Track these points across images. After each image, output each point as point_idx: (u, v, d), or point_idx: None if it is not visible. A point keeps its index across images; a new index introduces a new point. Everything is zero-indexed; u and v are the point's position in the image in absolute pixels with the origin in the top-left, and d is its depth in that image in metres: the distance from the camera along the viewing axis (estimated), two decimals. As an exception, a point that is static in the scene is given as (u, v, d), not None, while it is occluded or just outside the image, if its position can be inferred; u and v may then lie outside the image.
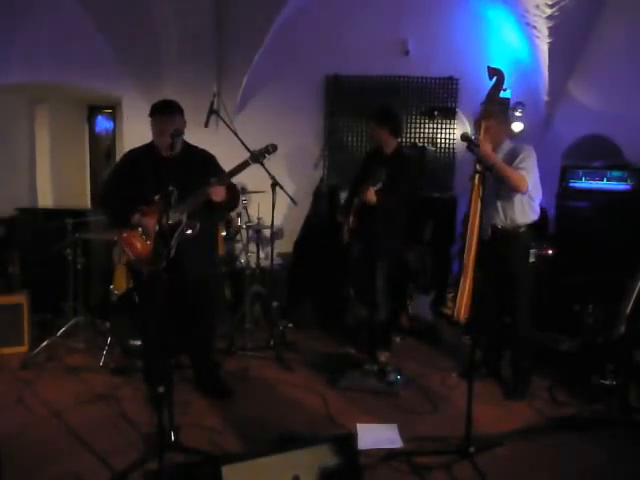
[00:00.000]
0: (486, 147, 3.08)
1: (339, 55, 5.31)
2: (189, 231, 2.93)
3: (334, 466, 2.16)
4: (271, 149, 3.00)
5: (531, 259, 3.38)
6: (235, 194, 3.21)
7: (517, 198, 3.26)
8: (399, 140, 3.95)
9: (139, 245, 3.03)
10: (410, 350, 4.30)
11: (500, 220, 3.31)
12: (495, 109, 3.27)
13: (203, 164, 3.15)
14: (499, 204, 3.29)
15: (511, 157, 3.23)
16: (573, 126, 4.86)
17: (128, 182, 3.06)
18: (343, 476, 2.18)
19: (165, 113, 3.01)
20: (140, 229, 3.01)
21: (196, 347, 3.38)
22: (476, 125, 3.30)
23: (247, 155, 3.07)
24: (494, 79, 3.15)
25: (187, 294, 3.17)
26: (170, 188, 2.77)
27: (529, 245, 3.37)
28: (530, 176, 3.19)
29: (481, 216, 2.83)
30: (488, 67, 3.20)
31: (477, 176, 2.92)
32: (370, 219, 3.77)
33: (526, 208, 3.30)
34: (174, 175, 2.87)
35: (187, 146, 3.19)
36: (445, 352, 4.25)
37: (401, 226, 3.90)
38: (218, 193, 2.93)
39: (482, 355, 3.68)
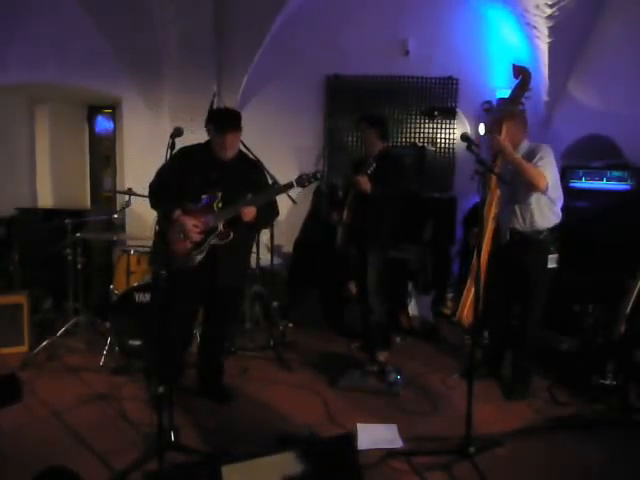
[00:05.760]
0: (505, 143, 3.06)
1: (339, 55, 5.31)
2: (222, 240, 2.98)
3: (333, 466, 2.16)
4: (319, 176, 3.09)
5: (551, 265, 3.24)
6: (269, 212, 3.19)
7: (534, 200, 3.17)
8: (385, 144, 3.98)
9: (175, 240, 3.03)
10: (410, 350, 4.30)
11: (519, 224, 3.23)
12: (518, 109, 3.20)
13: (249, 171, 3.15)
14: (516, 207, 3.22)
15: (529, 157, 3.14)
16: (573, 126, 4.85)
17: (178, 177, 2.99)
18: (343, 476, 2.18)
19: (237, 130, 3.01)
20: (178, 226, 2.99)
21: (209, 347, 3.36)
22: (494, 124, 3.22)
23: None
24: (519, 78, 3.10)
25: (216, 299, 3.18)
26: (218, 193, 2.94)
27: (549, 250, 3.23)
28: (549, 175, 3.09)
29: (497, 220, 2.79)
30: (513, 65, 3.13)
31: (494, 179, 2.91)
32: (361, 214, 3.86)
33: (546, 211, 3.20)
34: (224, 179, 2.99)
35: (239, 151, 3.17)
36: (445, 352, 4.25)
37: (389, 223, 3.92)
38: (249, 213, 2.95)
39: (482, 355, 3.68)
